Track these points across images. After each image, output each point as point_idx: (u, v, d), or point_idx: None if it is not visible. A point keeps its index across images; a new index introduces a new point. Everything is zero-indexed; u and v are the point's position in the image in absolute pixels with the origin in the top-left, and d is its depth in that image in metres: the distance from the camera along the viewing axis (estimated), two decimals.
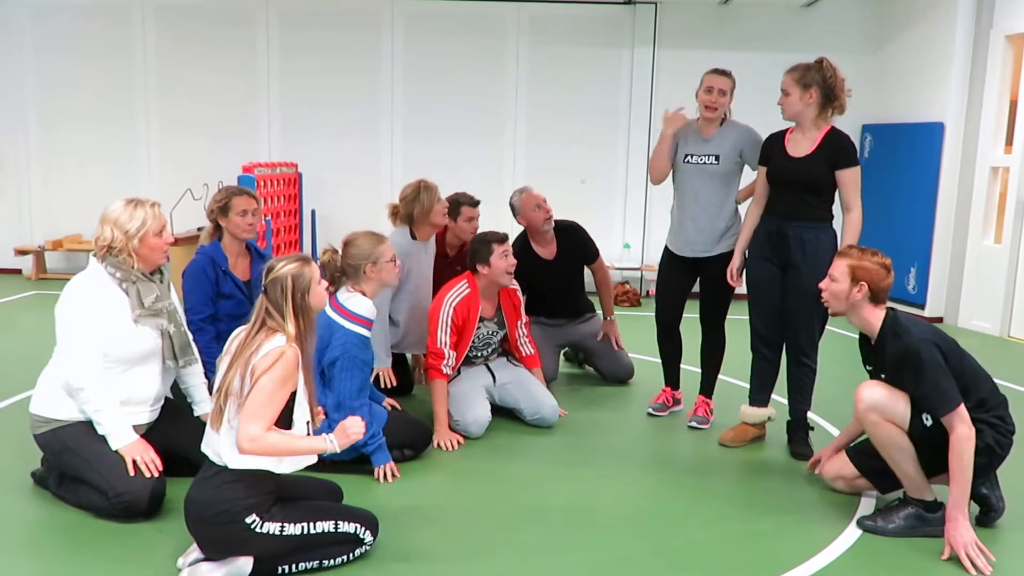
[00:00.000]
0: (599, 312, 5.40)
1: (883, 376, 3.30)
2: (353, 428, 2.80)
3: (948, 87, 7.57)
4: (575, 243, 5.20)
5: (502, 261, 4.32)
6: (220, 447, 2.72)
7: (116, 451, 3.13)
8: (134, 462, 3.14)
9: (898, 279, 7.97)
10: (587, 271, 5.34)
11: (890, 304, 3.35)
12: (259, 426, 2.62)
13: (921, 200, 7.77)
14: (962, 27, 7.45)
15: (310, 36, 8.78)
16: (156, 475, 3.16)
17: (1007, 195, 7.21)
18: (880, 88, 8.27)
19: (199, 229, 6.65)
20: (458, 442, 4.15)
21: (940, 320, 7.78)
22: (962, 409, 3.06)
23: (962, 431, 3.04)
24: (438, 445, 4.11)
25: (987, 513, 3.32)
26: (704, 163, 4.29)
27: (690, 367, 4.73)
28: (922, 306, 7.82)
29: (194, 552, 2.82)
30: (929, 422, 3.14)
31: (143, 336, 3.23)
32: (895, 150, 8.06)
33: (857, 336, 3.46)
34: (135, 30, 8.74)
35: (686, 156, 4.33)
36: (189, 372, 3.51)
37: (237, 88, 8.82)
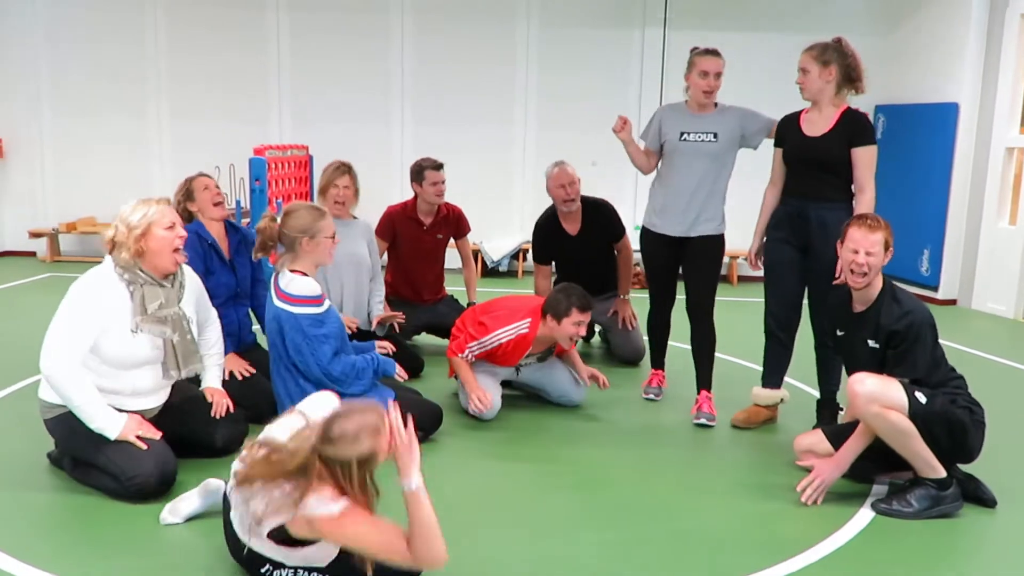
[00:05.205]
0: None
1: (870, 342, 3.36)
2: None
3: (963, 67, 7.48)
4: (601, 219, 5.25)
5: (572, 327, 4.17)
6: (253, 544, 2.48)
7: (117, 440, 3.12)
8: (141, 439, 3.13)
9: (911, 261, 7.93)
10: None
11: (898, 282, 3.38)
12: (403, 551, 2.42)
13: (935, 181, 7.71)
14: (977, 6, 7.36)
15: (320, 19, 8.76)
16: (157, 437, 3.18)
17: (1022, 176, 7.16)
18: (894, 68, 8.19)
19: None
20: (486, 401, 4.17)
21: (954, 302, 7.74)
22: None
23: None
24: (474, 403, 4.16)
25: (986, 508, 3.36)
26: (702, 140, 4.24)
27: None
28: (935, 288, 7.77)
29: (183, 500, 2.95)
30: (924, 400, 3.18)
31: (141, 343, 3.16)
32: (909, 131, 7.99)
33: None
34: (146, 15, 8.75)
35: (682, 134, 4.26)
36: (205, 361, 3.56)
37: (248, 72, 8.82)
